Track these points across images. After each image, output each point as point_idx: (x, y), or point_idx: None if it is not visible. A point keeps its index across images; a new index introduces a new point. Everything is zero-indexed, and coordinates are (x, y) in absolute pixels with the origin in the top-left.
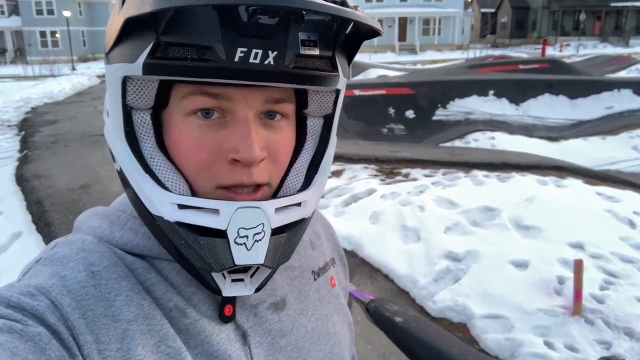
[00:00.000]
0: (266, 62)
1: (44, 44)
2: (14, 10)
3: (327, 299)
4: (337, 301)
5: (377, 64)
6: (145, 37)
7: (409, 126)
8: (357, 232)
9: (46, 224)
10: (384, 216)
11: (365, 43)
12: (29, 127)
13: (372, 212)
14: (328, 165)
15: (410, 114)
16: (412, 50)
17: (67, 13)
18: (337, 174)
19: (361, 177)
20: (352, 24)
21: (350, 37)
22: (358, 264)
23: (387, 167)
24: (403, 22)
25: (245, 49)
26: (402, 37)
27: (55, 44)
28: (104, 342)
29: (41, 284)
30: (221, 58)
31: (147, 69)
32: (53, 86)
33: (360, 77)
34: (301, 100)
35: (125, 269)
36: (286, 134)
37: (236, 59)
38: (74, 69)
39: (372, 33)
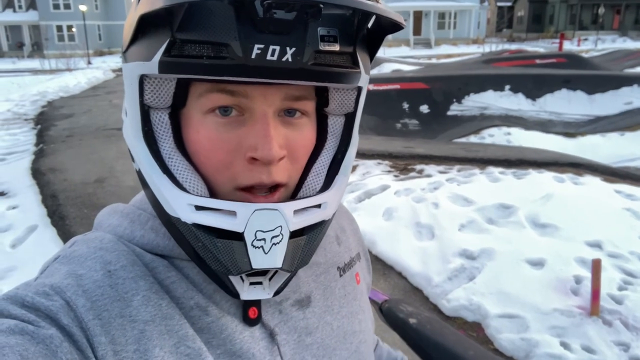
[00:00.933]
0: (284, 59)
1: (61, 38)
2: (31, 5)
3: (353, 296)
4: (362, 298)
5: (392, 58)
6: (161, 35)
7: (424, 121)
8: (370, 229)
9: (61, 217)
10: (397, 213)
11: None
12: (45, 120)
13: (386, 209)
14: (349, 165)
15: (424, 108)
16: (427, 44)
17: (83, 7)
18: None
19: (375, 173)
20: (374, 17)
21: (372, 31)
22: (371, 261)
23: (401, 163)
24: (418, 16)
25: (262, 46)
26: (417, 31)
27: (71, 38)
28: (120, 344)
29: (56, 283)
30: (237, 55)
31: (163, 67)
32: (69, 80)
33: (374, 72)
34: (322, 98)
35: (143, 268)
36: (306, 132)
37: (253, 56)
38: (89, 62)
39: (395, 27)
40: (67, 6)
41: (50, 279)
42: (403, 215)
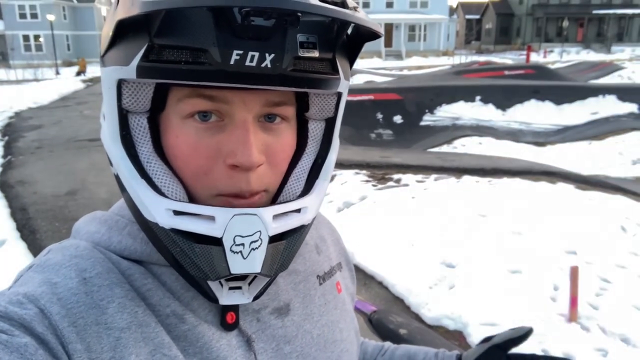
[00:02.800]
0: (263, 65)
1: (28, 48)
2: None
3: (333, 305)
4: (344, 307)
5: (365, 69)
6: (139, 40)
7: (397, 131)
8: (350, 238)
9: (31, 231)
10: (377, 222)
11: None
12: (13, 132)
13: (365, 218)
14: (329, 170)
15: (398, 119)
16: (398, 56)
17: (51, 17)
18: None
19: (353, 183)
20: (352, 25)
21: (351, 38)
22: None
23: (378, 173)
24: (389, 28)
25: (241, 52)
26: (388, 43)
27: (39, 48)
28: (96, 351)
29: (30, 291)
30: (216, 61)
31: (141, 72)
32: (37, 90)
33: None
34: (302, 103)
35: (119, 275)
36: (286, 137)
37: (232, 62)
38: (58, 73)
39: (374, 35)
40: (34, 15)
41: (24, 287)
42: (382, 224)
